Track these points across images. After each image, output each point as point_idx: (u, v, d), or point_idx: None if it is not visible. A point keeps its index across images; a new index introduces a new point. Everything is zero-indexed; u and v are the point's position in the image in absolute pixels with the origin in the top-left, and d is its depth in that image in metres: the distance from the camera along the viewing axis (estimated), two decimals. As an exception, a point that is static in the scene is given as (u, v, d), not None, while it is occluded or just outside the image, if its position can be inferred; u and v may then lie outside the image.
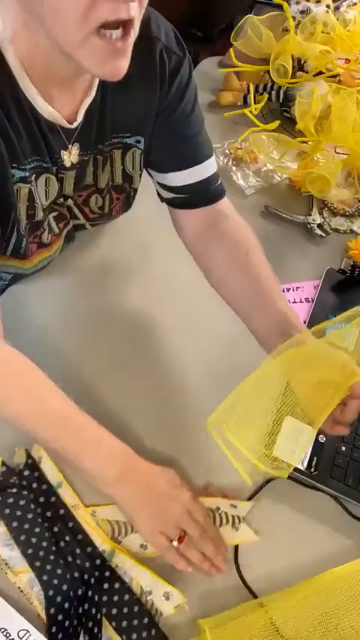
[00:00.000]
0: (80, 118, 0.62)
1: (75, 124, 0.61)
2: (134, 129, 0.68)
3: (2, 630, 0.50)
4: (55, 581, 0.54)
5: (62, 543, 0.56)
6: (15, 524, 0.56)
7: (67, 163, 0.65)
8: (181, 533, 0.56)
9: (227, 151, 0.99)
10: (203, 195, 0.73)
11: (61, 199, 0.68)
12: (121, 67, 0.49)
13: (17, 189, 0.59)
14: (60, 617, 0.53)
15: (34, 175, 0.61)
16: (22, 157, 0.57)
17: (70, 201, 0.71)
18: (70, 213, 0.72)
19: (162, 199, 0.75)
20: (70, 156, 0.64)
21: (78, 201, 0.72)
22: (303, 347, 0.58)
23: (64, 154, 0.63)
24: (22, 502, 0.58)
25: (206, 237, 0.73)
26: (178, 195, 0.73)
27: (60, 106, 0.58)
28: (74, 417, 0.60)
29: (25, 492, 0.58)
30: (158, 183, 0.74)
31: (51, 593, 0.54)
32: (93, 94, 0.61)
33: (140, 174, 0.73)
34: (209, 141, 0.73)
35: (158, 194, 0.75)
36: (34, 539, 0.56)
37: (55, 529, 0.57)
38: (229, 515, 0.60)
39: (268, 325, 0.64)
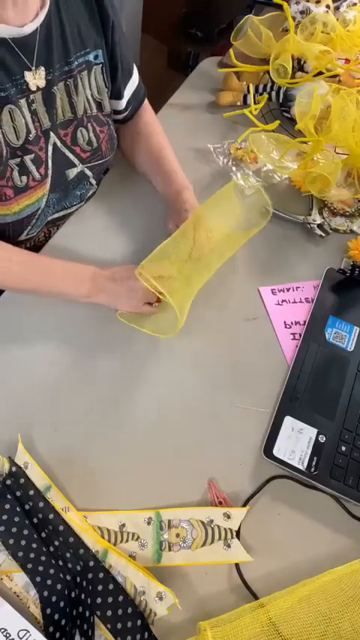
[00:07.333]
0: (34, 26, 0.63)
1: (28, 30, 0.63)
2: (93, 43, 0.73)
3: (2, 630, 0.50)
4: (49, 582, 0.54)
5: (52, 548, 0.56)
6: (2, 528, 0.56)
7: (33, 87, 0.66)
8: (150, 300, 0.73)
9: (227, 151, 0.99)
10: (138, 100, 0.88)
11: (34, 134, 0.69)
12: None
13: None
14: (56, 617, 0.53)
15: None
16: None
17: (54, 139, 0.72)
18: (45, 154, 0.72)
19: (115, 122, 0.87)
20: (36, 78, 0.66)
21: (67, 140, 0.74)
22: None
23: (28, 75, 0.65)
24: (7, 506, 0.58)
25: (134, 141, 0.90)
26: (125, 113, 0.87)
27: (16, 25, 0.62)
28: (39, 260, 0.72)
29: (9, 497, 0.58)
30: (114, 111, 0.85)
31: (45, 593, 0.54)
32: (47, 5, 0.64)
33: (107, 92, 0.79)
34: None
35: (114, 121, 0.85)
36: (23, 542, 0.56)
37: (43, 534, 0.57)
38: (221, 529, 0.59)
39: (167, 190, 0.85)
